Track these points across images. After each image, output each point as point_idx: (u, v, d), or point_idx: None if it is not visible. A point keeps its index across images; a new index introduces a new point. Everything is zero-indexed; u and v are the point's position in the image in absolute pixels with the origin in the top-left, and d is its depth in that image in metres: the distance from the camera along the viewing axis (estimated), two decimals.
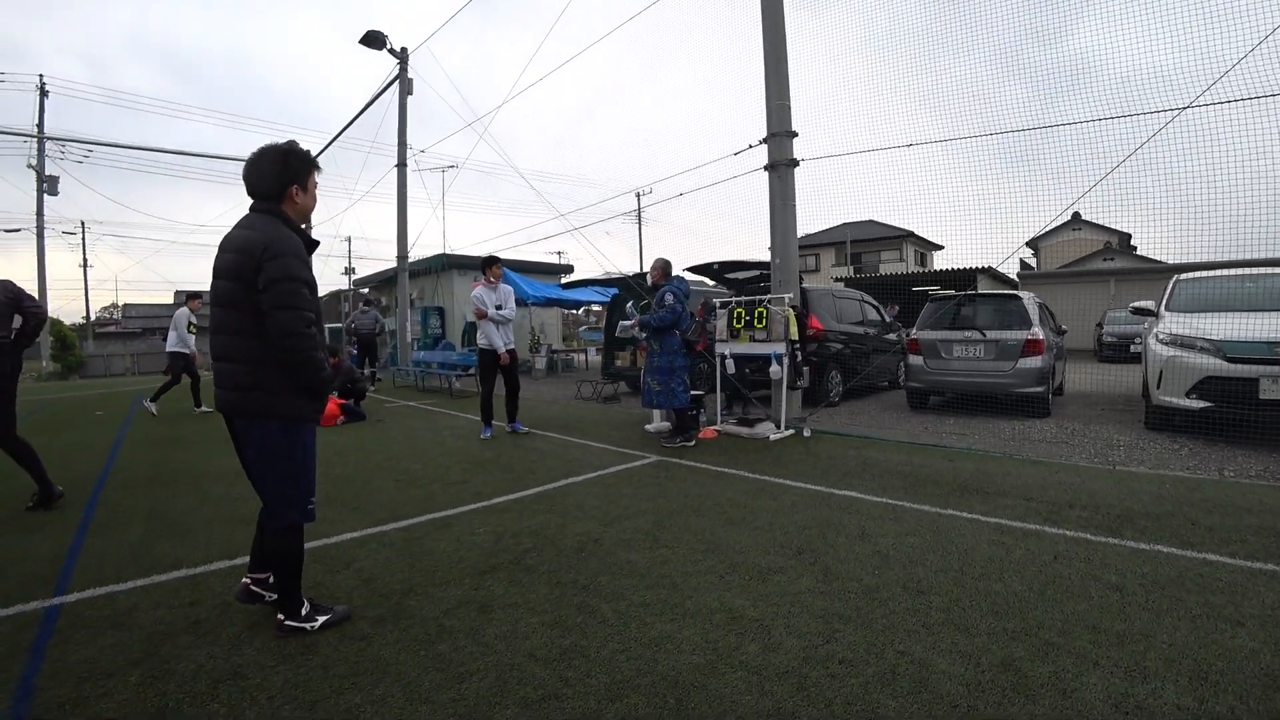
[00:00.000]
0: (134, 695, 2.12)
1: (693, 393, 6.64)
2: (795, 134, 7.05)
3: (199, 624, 2.63)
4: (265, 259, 2.30)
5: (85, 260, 38.65)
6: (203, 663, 2.32)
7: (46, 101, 24.75)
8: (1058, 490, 4.26)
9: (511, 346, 7.10)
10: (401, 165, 15.50)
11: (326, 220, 31.85)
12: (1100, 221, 31.45)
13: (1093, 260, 32.71)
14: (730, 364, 7.10)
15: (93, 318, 42.44)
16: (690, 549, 3.34)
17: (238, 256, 2.35)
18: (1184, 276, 7.19)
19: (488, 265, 7.12)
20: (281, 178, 2.45)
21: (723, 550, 3.30)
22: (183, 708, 2.04)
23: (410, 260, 16.23)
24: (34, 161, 23.92)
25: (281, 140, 2.52)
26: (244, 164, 2.46)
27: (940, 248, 36.56)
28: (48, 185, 23.84)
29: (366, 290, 26.18)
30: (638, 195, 38.76)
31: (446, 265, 20.12)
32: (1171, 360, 5.78)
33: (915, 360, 8.23)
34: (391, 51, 15.12)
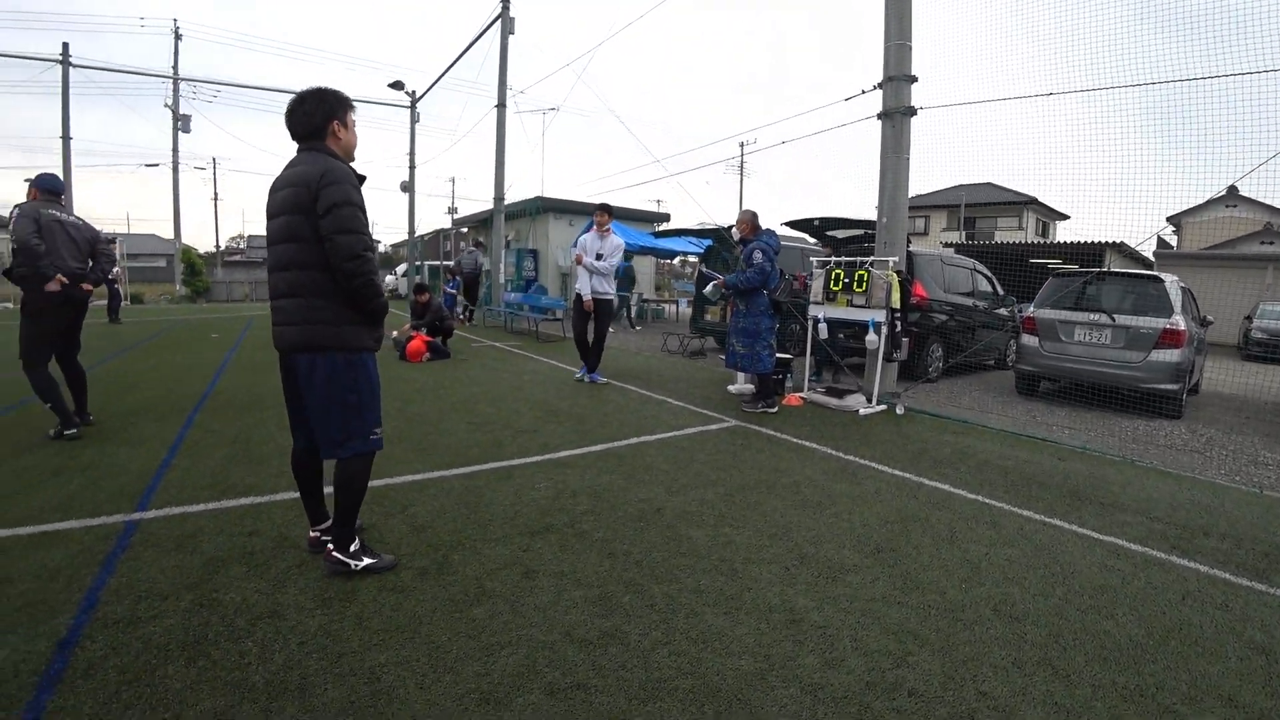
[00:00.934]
0: (181, 621, 2.15)
1: (780, 355, 6.28)
2: (915, 79, 6.34)
3: (253, 555, 2.66)
4: (322, 185, 2.32)
5: (216, 194, 41.87)
6: (248, 595, 2.34)
7: (180, 44, 26.33)
8: (1189, 511, 3.67)
9: (606, 296, 6.98)
10: (501, 106, 15.44)
11: (429, 160, 32.57)
12: (1262, 199, 27.67)
13: (1248, 243, 28.81)
14: (824, 328, 6.65)
15: (222, 247, 45.95)
16: (757, 531, 3.10)
17: (294, 190, 2.36)
18: None
19: (597, 212, 7.08)
20: (323, 115, 2.48)
21: (792, 537, 3.04)
22: (220, 641, 2.05)
23: (507, 202, 16.32)
24: (170, 102, 25.57)
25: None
26: (284, 113, 2.51)
27: (1066, 217, 33.41)
28: (182, 124, 25.41)
29: (467, 230, 26.85)
30: (741, 144, 37.38)
31: (543, 208, 20.16)
32: None
33: (1029, 341, 7.46)
34: None
